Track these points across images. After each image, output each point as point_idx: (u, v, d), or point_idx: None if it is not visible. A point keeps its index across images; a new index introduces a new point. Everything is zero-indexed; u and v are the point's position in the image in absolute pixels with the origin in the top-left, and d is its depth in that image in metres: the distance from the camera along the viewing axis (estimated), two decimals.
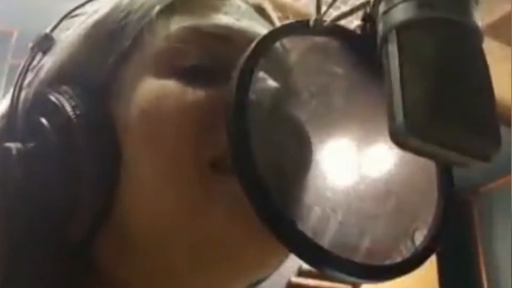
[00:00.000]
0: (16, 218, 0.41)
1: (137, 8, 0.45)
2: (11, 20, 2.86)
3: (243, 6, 0.48)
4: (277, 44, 0.40)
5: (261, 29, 0.46)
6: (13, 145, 0.41)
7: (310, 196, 0.39)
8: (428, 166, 0.41)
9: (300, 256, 0.35)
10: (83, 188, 0.40)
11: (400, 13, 0.33)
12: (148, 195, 0.41)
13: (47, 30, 0.48)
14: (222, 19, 0.45)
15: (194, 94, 0.41)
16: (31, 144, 0.41)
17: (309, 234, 0.35)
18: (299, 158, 0.40)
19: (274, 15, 0.50)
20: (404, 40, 0.32)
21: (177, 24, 0.44)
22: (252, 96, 0.37)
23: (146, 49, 0.44)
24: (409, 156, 0.32)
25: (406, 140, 0.30)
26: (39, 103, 0.43)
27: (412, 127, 0.30)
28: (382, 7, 0.34)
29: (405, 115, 0.30)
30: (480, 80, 0.32)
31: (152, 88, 0.42)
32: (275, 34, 0.40)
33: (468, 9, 0.32)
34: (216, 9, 0.46)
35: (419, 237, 0.39)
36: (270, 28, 0.48)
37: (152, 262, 0.41)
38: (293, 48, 0.41)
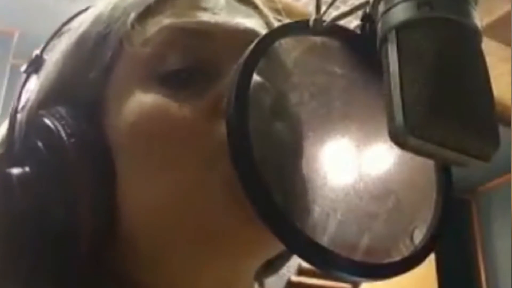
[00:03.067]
0: (18, 240, 0.41)
1: (116, 19, 0.45)
2: (12, 20, 2.86)
3: None
4: (277, 44, 0.40)
5: (243, 18, 0.46)
6: (14, 171, 0.42)
7: (309, 195, 0.39)
8: (427, 166, 0.41)
9: (300, 254, 0.36)
10: (82, 204, 0.41)
11: (400, 13, 0.33)
12: (147, 202, 0.41)
13: (38, 52, 0.48)
14: (200, 15, 0.45)
15: (181, 104, 0.41)
16: (30, 169, 0.42)
17: (308, 232, 0.35)
18: (299, 157, 0.40)
19: (259, 0, 0.50)
20: (404, 40, 0.32)
21: (154, 26, 0.44)
22: (252, 95, 0.37)
23: (128, 59, 0.44)
24: (408, 155, 0.32)
25: (406, 140, 0.30)
26: (34, 126, 0.44)
27: (412, 126, 0.30)
28: (381, 7, 0.34)
29: (405, 114, 0.30)
30: (479, 80, 0.32)
31: (138, 102, 0.42)
32: (275, 34, 0.40)
33: (468, 9, 0.33)
34: (193, 6, 0.45)
35: (418, 236, 0.39)
36: (254, 14, 0.48)
37: (159, 261, 0.42)
38: (292, 48, 0.42)
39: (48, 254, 0.41)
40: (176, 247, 0.41)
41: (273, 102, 0.39)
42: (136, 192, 0.42)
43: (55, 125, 0.42)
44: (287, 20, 0.48)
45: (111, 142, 0.42)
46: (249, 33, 0.45)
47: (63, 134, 0.42)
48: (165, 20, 0.44)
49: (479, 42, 0.33)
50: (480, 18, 0.33)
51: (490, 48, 2.63)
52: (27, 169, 0.42)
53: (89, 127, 0.43)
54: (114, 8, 0.46)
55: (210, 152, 0.40)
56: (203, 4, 0.46)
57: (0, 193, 0.42)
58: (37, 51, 0.48)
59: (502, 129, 0.33)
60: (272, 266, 0.51)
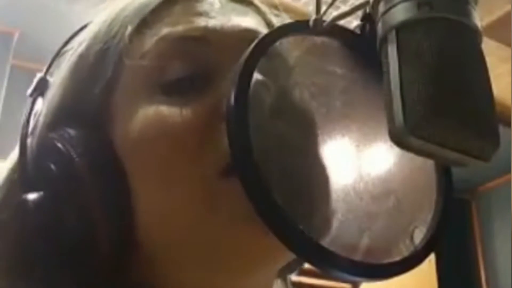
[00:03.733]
0: (42, 264, 0.42)
1: (113, 35, 0.46)
2: (12, 20, 2.86)
3: (217, 1, 0.47)
4: (277, 44, 0.40)
5: (240, 19, 0.46)
6: (29, 196, 0.42)
7: (310, 195, 0.39)
8: (427, 166, 0.41)
9: (300, 254, 0.36)
10: (99, 221, 0.41)
11: (400, 13, 0.33)
12: (158, 213, 0.42)
13: (42, 74, 0.49)
14: (196, 21, 0.45)
15: (185, 112, 0.42)
16: (44, 192, 0.42)
17: (308, 232, 0.35)
18: (300, 157, 0.40)
19: None
20: (404, 40, 0.32)
21: (152, 37, 0.44)
22: (252, 95, 0.37)
23: (129, 73, 0.45)
24: (408, 155, 0.32)
25: (406, 140, 0.30)
26: (45, 150, 0.44)
27: (412, 126, 0.30)
28: (381, 7, 0.34)
29: (405, 115, 0.30)
30: (479, 80, 0.32)
31: (142, 113, 0.43)
32: (275, 34, 0.40)
33: (467, 9, 0.33)
34: (189, 12, 0.45)
35: (418, 236, 0.39)
36: (250, 12, 0.48)
37: (174, 270, 0.43)
38: (292, 48, 0.41)
39: (69, 271, 0.42)
40: (189, 257, 0.42)
41: (273, 102, 0.39)
42: (148, 203, 0.42)
43: (65, 147, 0.42)
44: (286, 19, 0.48)
45: (121, 156, 0.43)
46: (247, 33, 0.45)
47: (74, 154, 0.42)
48: (162, 30, 0.44)
49: (479, 42, 0.33)
50: (480, 18, 0.33)
51: (490, 48, 2.64)
52: (42, 193, 0.42)
53: (98, 143, 0.43)
54: (111, 23, 0.46)
55: (214, 158, 0.40)
56: (199, 9, 0.46)
57: (18, 220, 0.43)
58: (40, 74, 0.49)
59: (502, 129, 0.33)
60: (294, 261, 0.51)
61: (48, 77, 0.49)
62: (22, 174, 0.44)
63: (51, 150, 0.43)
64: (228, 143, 0.36)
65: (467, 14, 0.32)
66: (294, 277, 0.54)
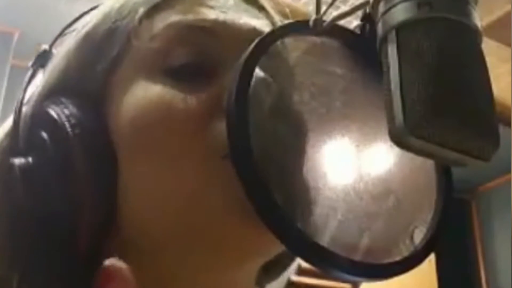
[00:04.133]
0: (20, 233, 0.41)
1: (124, 16, 0.46)
2: (12, 20, 2.86)
3: None
4: (277, 44, 0.40)
5: (250, 19, 0.46)
6: (16, 161, 0.42)
7: (310, 195, 0.39)
8: (427, 165, 0.41)
9: (300, 254, 0.36)
10: (84, 197, 0.41)
11: (400, 13, 0.33)
12: (147, 197, 0.41)
13: (47, 46, 0.48)
14: (207, 13, 0.45)
15: (185, 96, 0.41)
16: (33, 159, 0.42)
17: (308, 232, 0.35)
18: (300, 156, 0.40)
19: (267, 2, 0.50)
20: (404, 40, 0.32)
21: (161, 22, 0.45)
22: (252, 94, 0.37)
23: (135, 54, 0.45)
24: (408, 155, 0.32)
25: (406, 140, 0.30)
26: (38, 117, 0.44)
27: (412, 126, 0.30)
28: (381, 7, 0.34)
29: (405, 115, 0.30)
30: (479, 80, 0.32)
31: (143, 91, 0.43)
32: (275, 34, 0.40)
33: (467, 9, 0.33)
34: (201, 3, 0.46)
35: (418, 236, 0.39)
36: (261, 16, 0.48)
37: (157, 258, 0.42)
38: (293, 48, 0.42)
39: (47, 246, 0.41)
40: (175, 245, 0.41)
41: (274, 101, 0.39)
42: (138, 186, 0.42)
43: (59, 115, 0.42)
44: (287, 20, 0.48)
45: (114, 134, 0.43)
46: (255, 32, 0.45)
47: (67, 124, 0.42)
48: (173, 17, 0.45)
49: (479, 42, 0.33)
50: (480, 18, 0.33)
51: (490, 48, 2.64)
52: (30, 159, 0.42)
53: (93, 118, 0.43)
54: (122, 5, 0.47)
55: (211, 148, 0.40)
56: (212, 2, 0.46)
57: (2, 183, 0.42)
58: (45, 46, 0.48)
59: (502, 129, 0.33)
60: (273, 271, 0.50)
61: (52, 50, 0.48)
62: (13, 141, 0.44)
63: (45, 118, 0.43)
64: (228, 146, 0.36)
65: (467, 14, 0.32)
66: (294, 277, 0.54)
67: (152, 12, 0.45)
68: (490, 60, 0.32)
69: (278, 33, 0.40)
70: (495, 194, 4.07)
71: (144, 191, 0.41)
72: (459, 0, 0.33)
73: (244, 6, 0.48)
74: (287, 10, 0.53)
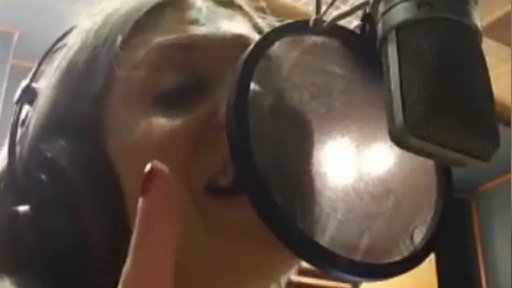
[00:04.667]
0: (37, 275, 0.42)
1: (103, 42, 0.45)
2: (12, 20, 2.86)
3: (204, 7, 0.47)
4: (277, 44, 0.40)
5: (230, 25, 0.46)
6: (20, 208, 0.42)
7: (310, 195, 0.39)
8: (427, 165, 0.41)
9: (300, 254, 0.36)
10: (93, 228, 0.41)
11: (400, 13, 0.33)
12: None
13: (27, 81, 0.47)
14: (186, 29, 0.45)
15: (176, 124, 0.41)
16: (36, 203, 0.42)
17: (308, 232, 0.35)
18: (300, 158, 0.40)
19: (243, 2, 0.50)
20: (404, 40, 0.32)
21: (142, 47, 0.44)
22: (251, 97, 0.37)
23: (120, 83, 0.44)
24: (408, 155, 0.32)
25: (406, 140, 0.30)
26: (35, 159, 0.44)
27: (412, 126, 0.30)
28: (381, 7, 0.34)
29: (405, 115, 0.30)
30: (479, 80, 0.32)
31: (136, 127, 0.42)
32: (275, 34, 0.40)
33: (468, 9, 0.33)
34: (178, 20, 0.45)
35: (418, 236, 0.39)
36: (237, 16, 0.48)
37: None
38: (292, 48, 0.41)
39: (65, 280, 0.41)
40: (189, 275, 0.41)
41: (274, 102, 0.39)
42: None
43: (56, 157, 0.42)
44: (286, 20, 0.48)
45: (114, 164, 0.42)
46: (239, 39, 0.45)
47: (65, 164, 0.42)
48: (152, 39, 0.44)
49: (479, 42, 0.33)
50: (480, 18, 0.33)
51: (490, 48, 2.63)
52: (33, 204, 0.42)
53: (90, 153, 0.43)
54: (100, 28, 0.46)
55: (203, 168, 0.40)
56: (188, 17, 0.46)
57: (8, 232, 0.42)
58: (25, 81, 0.47)
59: (502, 129, 0.33)
60: None
61: (34, 84, 0.48)
62: (11, 184, 0.44)
63: (42, 160, 0.43)
64: (227, 146, 0.36)
65: (467, 14, 0.32)
66: (294, 277, 0.54)
67: (131, 36, 0.45)
68: (490, 60, 0.32)
69: (277, 33, 0.40)
70: (495, 194, 4.07)
71: None
72: (459, 0, 0.33)
73: (218, 10, 0.47)
74: (264, 4, 0.53)
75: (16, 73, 2.77)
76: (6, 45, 2.92)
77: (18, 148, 0.45)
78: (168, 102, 0.42)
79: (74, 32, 0.48)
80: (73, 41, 0.47)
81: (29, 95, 0.47)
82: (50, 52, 0.49)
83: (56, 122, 0.45)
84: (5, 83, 2.80)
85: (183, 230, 0.39)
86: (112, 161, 0.43)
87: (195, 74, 0.43)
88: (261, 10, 0.51)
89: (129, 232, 0.41)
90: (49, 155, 0.43)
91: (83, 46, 0.46)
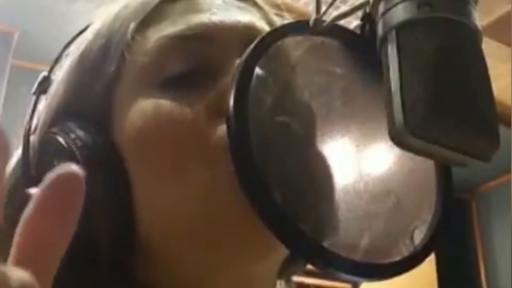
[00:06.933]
0: None
1: (116, 31, 0.46)
2: (12, 20, 2.86)
3: None
4: (277, 44, 0.40)
5: (242, 15, 0.46)
6: (32, 191, 0.42)
7: (310, 195, 0.39)
8: (427, 165, 0.41)
9: (300, 254, 0.36)
10: (100, 216, 0.41)
11: (400, 13, 0.33)
12: (159, 209, 0.42)
13: (45, 73, 0.48)
14: (197, 17, 0.45)
15: (186, 108, 0.41)
16: None
17: (309, 232, 0.35)
18: (301, 156, 0.40)
19: None
20: (404, 40, 0.32)
21: (153, 35, 0.45)
22: (252, 95, 0.37)
23: (131, 69, 0.45)
24: (408, 155, 0.32)
25: (406, 140, 0.31)
26: (47, 145, 0.44)
27: (412, 127, 0.30)
28: (381, 7, 0.34)
29: (405, 115, 0.30)
30: (479, 80, 0.32)
31: (142, 108, 0.43)
32: (275, 34, 0.40)
33: (467, 9, 0.33)
34: (190, 9, 0.46)
35: (418, 236, 0.39)
36: (252, 9, 0.48)
37: (176, 266, 0.43)
38: (293, 48, 0.42)
39: (70, 267, 0.41)
40: (190, 252, 0.42)
41: (274, 102, 0.39)
42: (149, 199, 0.42)
43: (66, 141, 0.42)
44: (287, 19, 0.48)
45: (122, 151, 0.43)
46: (248, 29, 0.45)
47: (75, 148, 0.42)
48: (164, 28, 0.45)
49: (479, 42, 0.33)
50: (480, 18, 0.33)
51: (490, 48, 2.63)
52: None
53: (99, 138, 0.43)
54: (113, 20, 0.47)
55: (215, 154, 0.40)
56: (200, 6, 0.46)
57: (19, 215, 0.42)
58: (44, 73, 0.49)
59: (502, 129, 0.33)
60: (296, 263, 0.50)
61: (51, 76, 0.49)
62: (25, 172, 0.44)
63: (53, 145, 0.43)
64: (228, 143, 0.36)
65: (467, 14, 0.32)
66: (294, 277, 0.54)
67: (143, 25, 0.45)
68: (490, 60, 0.32)
69: (278, 33, 0.40)
70: (495, 194, 4.07)
71: (154, 203, 0.42)
72: (459, 0, 0.33)
73: (233, 2, 0.48)
74: (279, 1, 0.53)
75: (16, 73, 2.77)
76: (6, 45, 2.92)
77: (32, 137, 0.46)
78: (175, 87, 0.43)
79: (89, 28, 0.49)
80: (87, 34, 0.48)
81: (44, 85, 0.48)
82: (66, 48, 0.49)
83: (67, 108, 0.46)
84: (5, 83, 2.80)
85: (189, 201, 0.40)
86: (119, 148, 0.43)
87: (203, 62, 0.43)
88: (277, 7, 0.51)
89: (135, 228, 0.42)
90: (59, 139, 0.43)
91: (96, 37, 0.47)
